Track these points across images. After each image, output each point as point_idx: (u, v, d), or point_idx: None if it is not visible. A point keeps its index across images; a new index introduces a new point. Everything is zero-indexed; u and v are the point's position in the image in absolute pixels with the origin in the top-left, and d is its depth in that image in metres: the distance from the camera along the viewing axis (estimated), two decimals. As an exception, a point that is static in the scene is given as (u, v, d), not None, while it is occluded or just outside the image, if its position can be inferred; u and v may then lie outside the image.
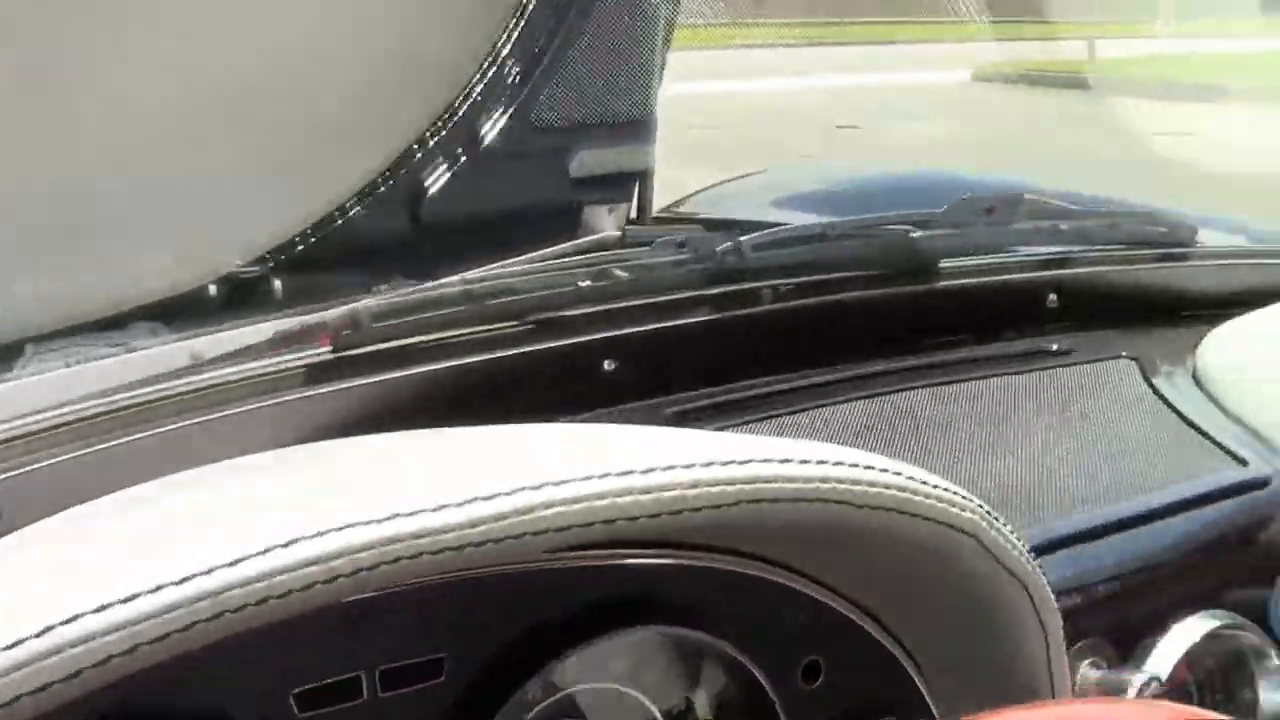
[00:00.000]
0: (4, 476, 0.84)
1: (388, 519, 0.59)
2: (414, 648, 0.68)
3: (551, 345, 1.07)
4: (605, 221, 1.47)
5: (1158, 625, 0.99)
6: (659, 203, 1.94)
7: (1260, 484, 1.08)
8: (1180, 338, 1.31)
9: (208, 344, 1.01)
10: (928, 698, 0.81)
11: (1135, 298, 1.38)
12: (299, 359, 1.02)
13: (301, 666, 0.65)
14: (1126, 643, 0.98)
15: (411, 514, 0.59)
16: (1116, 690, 0.95)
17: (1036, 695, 0.79)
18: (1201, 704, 1.02)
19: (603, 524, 0.62)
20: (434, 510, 0.60)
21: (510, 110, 1.21)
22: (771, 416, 1.06)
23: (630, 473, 0.62)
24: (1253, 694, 1.03)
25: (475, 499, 0.60)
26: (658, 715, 0.75)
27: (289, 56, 1.22)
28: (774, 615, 0.77)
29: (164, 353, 1.01)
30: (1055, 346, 1.26)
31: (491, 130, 1.22)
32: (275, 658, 0.64)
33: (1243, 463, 1.09)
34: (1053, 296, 1.32)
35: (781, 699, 0.76)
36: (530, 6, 1.19)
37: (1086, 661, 0.95)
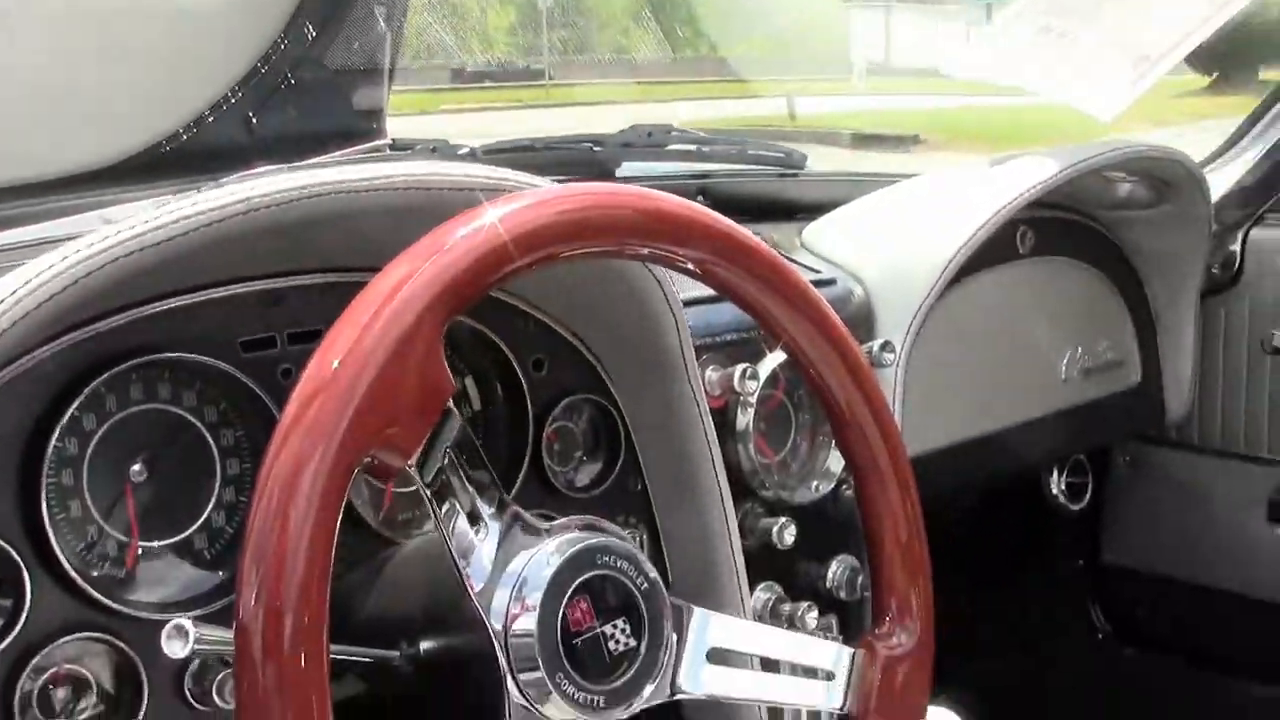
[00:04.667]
0: None
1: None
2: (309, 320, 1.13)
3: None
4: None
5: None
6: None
7: (824, 284, 1.63)
8: (793, 228, 1.88)
9: (115, 212, 1.41)
10: (608, 382, 1.31)
11: (763, 201, 1.95)
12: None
13: (241, 327, 1.11)
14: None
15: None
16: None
17: (676, 373, 1.29)
18: None
19: None
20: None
21: (312, 50, 1.68)
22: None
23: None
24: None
25: None
26: None
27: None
28: (515, 327, 1.26)
29: (79, 220, 1.42)
30: None
31: (299, 64, 1.68)
32: (226, 320, 1.10)
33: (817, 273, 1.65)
34: (700, 198, 1.86)
35: (525, 378, 1.26)
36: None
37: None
